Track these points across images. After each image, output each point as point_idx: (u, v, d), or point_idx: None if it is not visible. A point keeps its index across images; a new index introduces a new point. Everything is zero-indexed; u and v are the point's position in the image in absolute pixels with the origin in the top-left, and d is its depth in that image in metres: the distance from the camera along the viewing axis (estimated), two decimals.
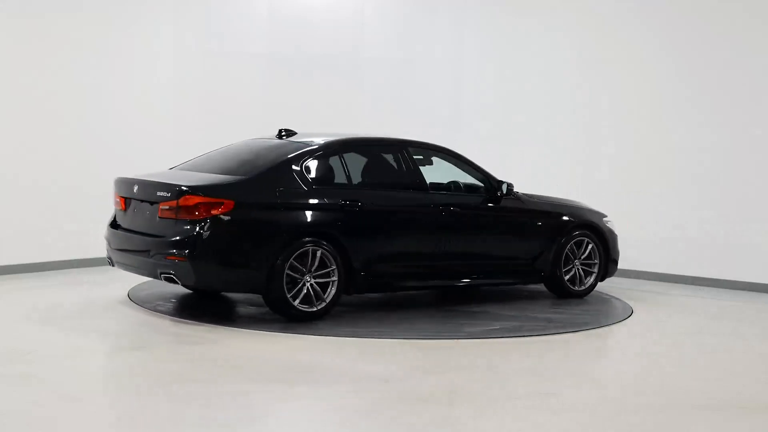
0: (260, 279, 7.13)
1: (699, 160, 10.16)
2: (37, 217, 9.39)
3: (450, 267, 8.24)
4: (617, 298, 8.99)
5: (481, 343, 7.04)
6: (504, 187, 8.41)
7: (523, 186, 9.04)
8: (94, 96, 9.90)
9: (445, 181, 8.57)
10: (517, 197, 8.59)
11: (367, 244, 7.66)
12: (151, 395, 5.36)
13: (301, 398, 5.47)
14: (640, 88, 10.54)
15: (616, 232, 9.25)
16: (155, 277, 7.33)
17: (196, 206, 7.00)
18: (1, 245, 9.13)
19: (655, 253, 10.14)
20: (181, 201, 7.02)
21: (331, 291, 7.39)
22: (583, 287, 8.92)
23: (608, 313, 8.31)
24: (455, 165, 8.53)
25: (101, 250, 8.09)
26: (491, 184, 8.46)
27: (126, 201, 7.67)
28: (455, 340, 7.11)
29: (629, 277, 10.23)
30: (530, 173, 11.03)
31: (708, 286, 10.07)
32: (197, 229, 6.99)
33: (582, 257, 8.88)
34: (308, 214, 7.41)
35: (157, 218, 7.23)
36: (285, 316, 7.28)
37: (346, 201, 7.57)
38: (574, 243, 8.81)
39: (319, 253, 7.31)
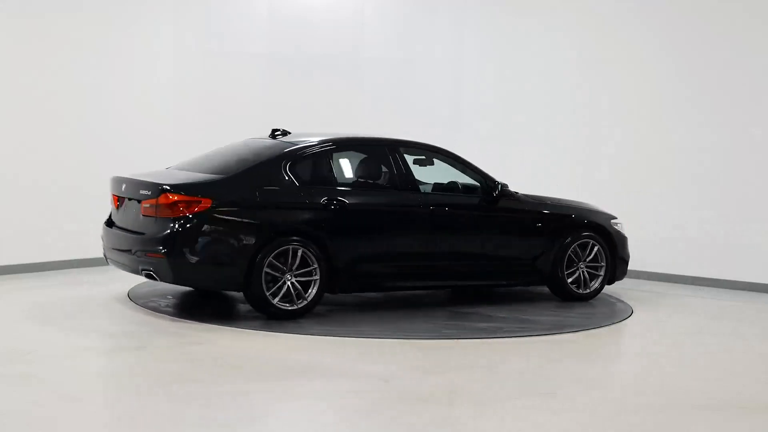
0: (237, 277, 7.22)
1: (699, 160, 10.15)
2: (37, 217, 9.39)
3: (441, 268, 8.20)
4: (617, 298, 8.99)
5: (481, 343, 7.05)
6: (498, 188, 8.33)
7: (523, 186, 9.02)
8: (94, 96, 9.89)
9: (446, 182, 8.55)
10: (515, 197, 8.48)
11: (350, 244, 7.67)
12: (151, 395, 5.36)
13: (301, 398, 5.47)
14: (640, 88, 10.53)
15: (626, 234, 9.07)
16: (138, 273, 7.50)
17: (174, 204, 7.12)
18: (1, 245, 9.13)
19: (655, 253, 10.13)
20: (161, 199, 7.17)
21: (313, 290, 7.43)
22: (587, 290, 8.71)
23: (608, 313, 8.30)
24: (450, 165, 8.49)
25: (101, 249, 8.11)
26: (487, 184, 8.40)
27: (119, 199, 7.78)
28: (455, 340, 7.11)
29: (629, 277, 10.17)
30: (530, 173, 11.03)
31: (708, 286, 10.07)
32: (175, 226, 7.11)
33: (587, 260, 8.69)
34: (289, 213, 7.48)
35: (141, 216, 7.36)
36: (265, 314, 7.36)
37: (328, 200, 7.59)
38: (578, 245, 8.63)
39: (299, 252, 7.35)
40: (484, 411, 5.27)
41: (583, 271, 8.69)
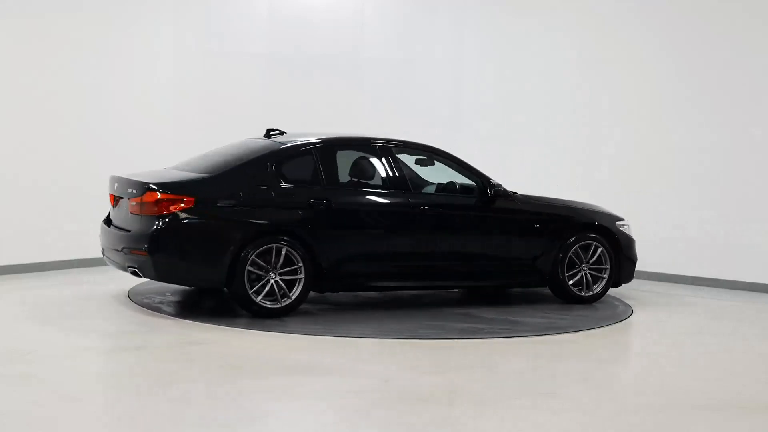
0: (219, 275, 7.30)
1: (699, 160, 10.15)
2: (37, 217, 9.39)
3: (431, 268, 8.15)
4: (617, 298, 8.98)
5: (481, 343, 7.05)
6: (492, 188, 8.24)
7: (523, 186, 9.02)
8: (94, 96, 9.90)
9: (445, 182, 8.52)
10: (511, 198, 8.38)
11: (336, 243, 7.69)
12: (151, 395, 5.36)
13: (301, 398, 5.47)
14: (640, 88, 10.53)
15: (633, 236, 8.93)
16: (125, 270, 7.60)
17: (157, 202, 7.24)
18: (1, 245, 9.13)
19: (655, 253, 10.12)
20: (145, 197, 7.30)
21: (298, 289, 7.47)
22: (590, 293, 8.57)
23: (608, 313, 8.29)
24: (446, 165, 8.45)
25: (100, 249, 8.11)
26: (483, 184, 8.33)
27: (114, 198, 7.87)
28: (455, 340, 7.11)
29: None
30: (530, 173, 11.03)
31: (708, 286, 10.07)
32: (158, 224, 7.22)
33: (590, 262, 8.55)
34: (273, 212, 7.52)
35: (129, 214, 7.47)
36: (249, 311, 7.41)
37: (314, 200, 7.62)
38: (580, 246, 8.50)
39: (283, 251, 7.40)
40: (484, 411, 5.27)
41: (585, 274, 8.55)
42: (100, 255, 8.20)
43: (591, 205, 8.96)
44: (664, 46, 10.35)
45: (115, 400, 5.45)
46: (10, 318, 7.40)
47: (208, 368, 6.03)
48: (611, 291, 8.89)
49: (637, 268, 9.05)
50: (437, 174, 8.61)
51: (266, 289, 7.37)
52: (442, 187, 8.50)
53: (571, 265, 8.50)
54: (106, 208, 8.19)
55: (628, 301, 8.86)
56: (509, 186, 8.64)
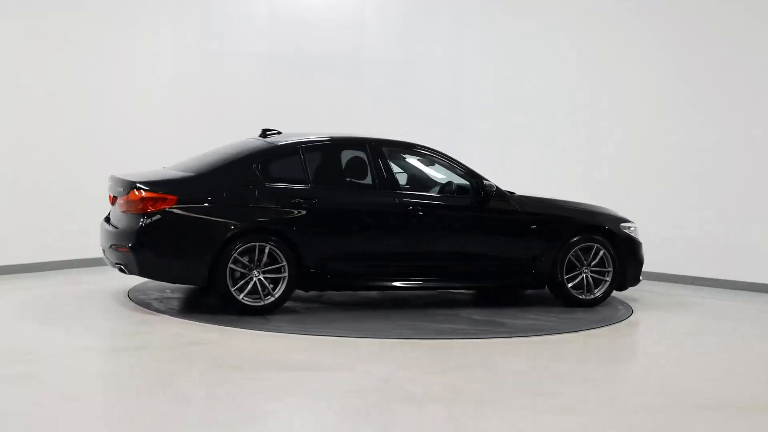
0: (201, 272, 7.42)
1: (699, 160, 10.15)
2: (37, 217, 9.39)
3: (418, 268, 8.08)
4: (617, 299, 8.97)
5: (481, 343, 7.05)
6: (483, 188, 8.14)
7: (523, 186, 9.01)
8: (94, 96, 9.89)
9: (444, 182, 8.49)
10: (506, 198, 8.28)
11: (320, 242, 7.72)
12: (151, 395, 5.36)
13: (301, 398, 5.47)
14: (640, 88, 10.53)
15: (640, 239, 8.74)
16: (114, 267, 7.79)
17: (141, 200, 7.40)
18: (1, 245, 9.13)
19: (655, 253, 10.09)
20: (130, 195, 7.47)
21: (281, 287, 7.54)
22: (591, 296, 8.39)
23: (608, 313, 8.27)
24: (439, 164, 8.40)
25: (101, 250, 8.12)
26: (476, 184, 8.23)
27: (113, 198, 7.97)
28: (455, 340, 7.11)
29: None
30: (530, 173, 11.03)
31: (708, 286, 10.07)
32: (141, 222, 7.39)
33: (592, 264, 8.37)
34: (256, 211, 7.58)
35: (119, 213, 7.67)
36: (234, 309, 7.48)
37: (298, 199, 7.66)
38: (581, 249, 8.34)
39: (267, 250, 7.46)
40: (484, 411, 5.27)
41: (587, 276, 8.39)
42: (101, 255, 8.21)
43: (594, 206, 8.80)
44: (664, 46, 10.35)
45: (115, 400, 5.45)
46: (10, 318, 7.40)
47: (208, 368, 6.03)
48: (614, 292, 8.71)
49: None
50: (440, 175, 8.57)
51: (249, 287, 7.45)
52: (440, 188, 8.45)
53: (573, 268, 8.36)
54: (106, 208, 8.19)
55: (628, 301, 8.85)
56: (509, 186, 8.62)
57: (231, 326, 7.16)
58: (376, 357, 6.51)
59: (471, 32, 11.56)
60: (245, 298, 7.46)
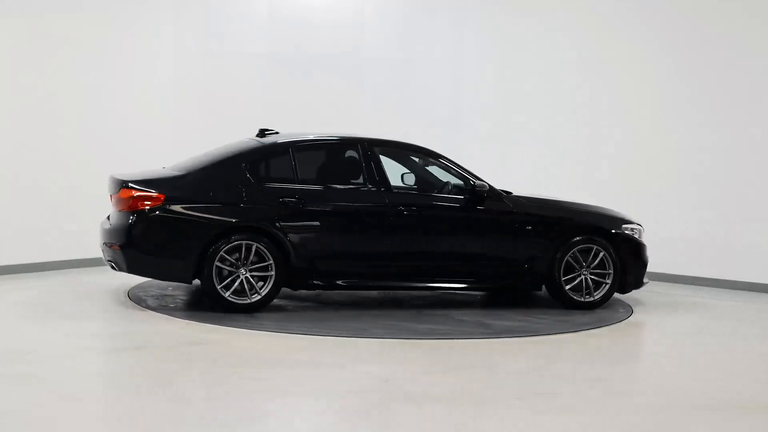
0: (187, 270, 7.55)
1: (699, 160, 10.16)
2: (37, 217, 9.39)
3: (406, 269, 8.04)
4: (617, 299, 8.96)
5: (481, 343, 7.05)
6: (474, 188, 8.06)
7: (523, 186, 9.01)
8: (94, 96, 9.90)
9: (437, 182, 8.46)
10: (500, 198, 8.18)
11: (308, 241, 7.75)
12: (151, 395, 5.36)
13: (301, 398, 5.47)
14: (640, 88, 10.54)
15: (644, 240, 8.59)
16: (106, 264, 8.00)
17: (130, 199, 7.55)
18: (1, 245, 9.13)
19: (655, 253, 10.06)
20: (121, 194, 7.64)
21: (268, 285, 7.63)
22: (590, 298, 8.26)
23: (608, 314, 8.26)
24: (433, 164, 8.36)
25: (101, 250, 8.13)
26: (466, 184, 8.16)
27: (112, 197, 8.05)
28: (455, 340, 7.11)
29: None
30: (530, 173, 11.04)
31: (708, 286, 10.07)
32: (130, 220, 7.55)
33: (592, 266, 8.25)
34: (243, 210, 7.66)
35: (114, 211, 7.83)
36: (220, 306, 7.58)
37: (286, 198, 7.70)
38: (580, 250, 8.23)
39: (253, 248, 7.53)
40: (484, 411, 5.27)
41: (586, 278, 8.27)
42: (100, 255, 8.21)
43: (596, 206, 8.66)
44: (664, 46, 10.36)
45: (115, 400, 5.45)
46: (10, 318, 7.40)
47: (208, 368, 6.03)
48: (616, 295, 8.61)
49: None
50: (433, 174, 8.54)
51: (235, 284, 7.55)
52: (432, 188, 8.41)
53: (572, 269, 8.24)
54: (106, 208, 8.20)
55: (628, 301, 8.85)
56: (509, 186, 8.62)
57: (231, 326, 7.16)
58: (376, 357, 6.51)
59: (471, 32, 11.57)
60: (231, 296, 7.55)
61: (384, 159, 8.22)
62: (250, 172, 7.77)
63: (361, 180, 8.05)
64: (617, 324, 7.92)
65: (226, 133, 9.05)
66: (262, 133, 8.36)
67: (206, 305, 7.99)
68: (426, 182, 8.52)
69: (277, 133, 8.39)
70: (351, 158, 8.13)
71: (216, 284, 7.51)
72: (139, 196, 7.52)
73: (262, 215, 7.65)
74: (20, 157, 9.26)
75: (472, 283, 8.23)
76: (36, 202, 9.39)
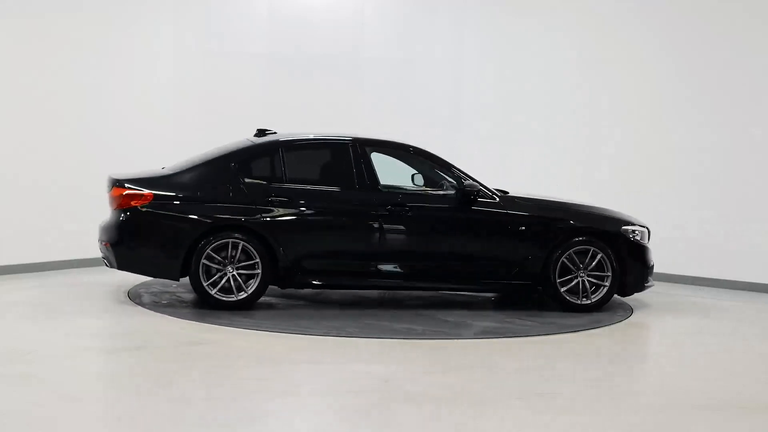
0: (175, 267, 7.70)
1: (699, 160, 10.16)
2: (37, 217, 9.39)
3: (400, 269, 8.01)
4: (617, 299, 8.96)
5: (481, 343, 7.04)
6: (462, 189, 8.00)
7: (523, 186, 9.00)
8: (94, 96, 9.90)
9: (428, 182, 8.43)
10: (491, 198, 8.08)
11: (295, 240, 7.80)
12: (151, 395, 5.36)
13: (301, 398, 5.47)
14: (640, 88, 10.54)
15: (646, 242, 8.42)
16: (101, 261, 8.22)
17: (120, 197, 7.74)
18: (1, 245, 9.13)
19: (655, 253, 10.07)
20: (112, 192, 7.83)
21: (254, 283, 7.71)
22: (587, 301, 8.11)
23: (608, 314, 8.26)
24: (425, 164, 8.30)
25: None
26: (455, 184, 8.10)
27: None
28: (455, 340, 7.11)
29: None
30: (530, 173, 11.04)
31: (708, 286, 10.08)
32: (120, 217, 7.75)
33: (589, 268, 8.10)
34: (230, 208, 7.75)
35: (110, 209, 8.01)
36: (207, 303, 7.70)
37: (273, 197, 7.77)
38: (576, 252, 8.09)
39: (240, 246, 7.65)
40: (484, 411, 5.27)
41: (583, 281, 8.13)
42: (100, 255, 8.23)
43: (596, 207, 8.53)
44: (664, 46, 10.36)
45: (115, 400, 5.45)
46: (10, 318, 7.40)
47: (208, 368, 6.03)
48: (618, 298, 8.56)
49: None
50: (425, 174, 8.48)
51: (222, 282, 7.66)
52: (423, 188, 8.38)
53: (569, 271, 8.11)
54: (106, 208, 8.19)
55: (628, 302, 8.85)
56: (509, 186, 8.62)
57: (231, 326, 7.16)
58: (376, 357, 6.51)
59: (471, 32, 11.57)
60: (218, 293, 7.66)
61: (390, 159, 8.24)
62: (238, 171, 7.87)
63: (349, 179, 8.03)
64: (617, 324, 7.92)
65: (226, 133, 9.05)
66: (261, 133, 8.41)
67: (206, 305, 7.98)
68: (434, 183, 8.44)
69: (275, 133, 8.41)
70: (340, 158, 8.11)
71: (203, 281, 7.63)
72: (128, 194, 7.69)
73: (248, 214, 7.72)
74: (20, 157, 9.26)
75: (462, 283, 8.18)
76: (36, 202, 9.39)
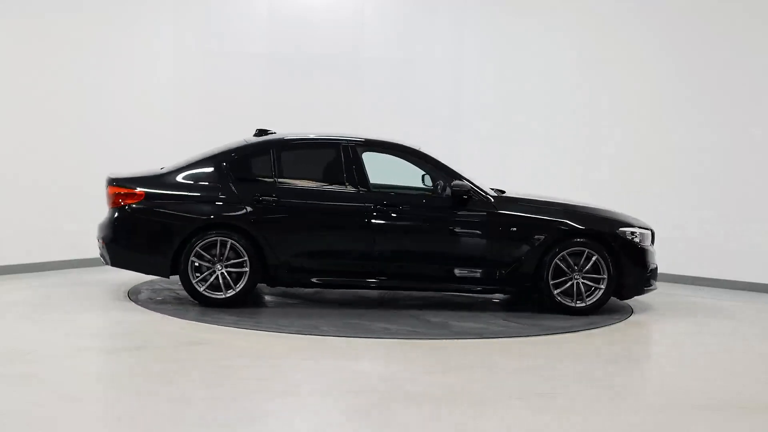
0: (165, 264, 7.84)
1: (699, 160, 10.16)
2: (37, 217, 9.39)
3: (382, 268, 7.98)
4: (617, 299, 8.95)
5: (481, 343, 7.05)
6: (447, 189, 7.96)
7: (523, 186, 8.99)
8: (94, 96, 9.90)
9: (420, 181, 8.45)
10: (483, 198, 7.99)
11: (283, 239, 7.88)
12: (151, 395, 5.36)
13: (301, 398, 5.47)
14: (640, 88, 10.54)
15: (647, 244, 8.25)
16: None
17: (114, 195, 7.95)
18: (1, 245, 9.13)
19: (656, 253, 10.13)
20: (108, 190, 8.02)
21: (243, 281, 7.80)
22: (581, 304, 7.98)
23: (608, 314, 8.26)
24: (416, 163, 8.20)
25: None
26: (445, 183, 8.02)
27: None
28: (455, 340, 7.11)
29: None
30: (530, 173, 11.03)
31: (708, 286, 10.07)
32: (114, 215, 7.95)
33: (584, 270, 7.97)
34: (219, 207, 7.89)
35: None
36: (197, 300, 7.84)
37: (262, 196, 7.85)
38: (570, 253, 7.95)
39: (228, 244, 7.77)
40: (484, 411, 5.27)
41: (578, 283, 7.99)
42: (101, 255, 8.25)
43: (595, 208, 8.38)
44: (664, 46, 10.36)
45: (115, 400, 5.45)
46: (10, 318, 7.40)
47: (208, 368, 6.03)
48: (617, 301, 8.49)
49: None
50: (417, 174, 8.45)
51: (211, 279, 7.77)
52: (415, 187, 8.37)
53: (563, 273, 7.98)
54: (105, 208, 8.20)
55: (627, 302, 8.84)
56: (508, 186, 8.61)
57: (231, 326, 7.16)
58: (376, 357, 6.51)
59: (471, 32, 11.57)
60: (207, 291, 7.78)
61: (391, 159, 8.23)
62: (229, 170, 7.97)
63: (339, 179, 8.04)
64: (617, 324, 7.92)
65: (226, 133, 9.05)
66: (260, 133, 8.46)
67: (206, 305, 7.99)
68: (393, 181, 8.44)
69: (274, 133, 8.42)
70: (331, 157, 8.13)
71: (192, 278, 7.75)
72: (121, 192, 7.88)
73: (238, 212, 7.83)
74: (20, 157, 9.26)
75: (453, 283, 8.10)
76: (36, 202, 9.39)
